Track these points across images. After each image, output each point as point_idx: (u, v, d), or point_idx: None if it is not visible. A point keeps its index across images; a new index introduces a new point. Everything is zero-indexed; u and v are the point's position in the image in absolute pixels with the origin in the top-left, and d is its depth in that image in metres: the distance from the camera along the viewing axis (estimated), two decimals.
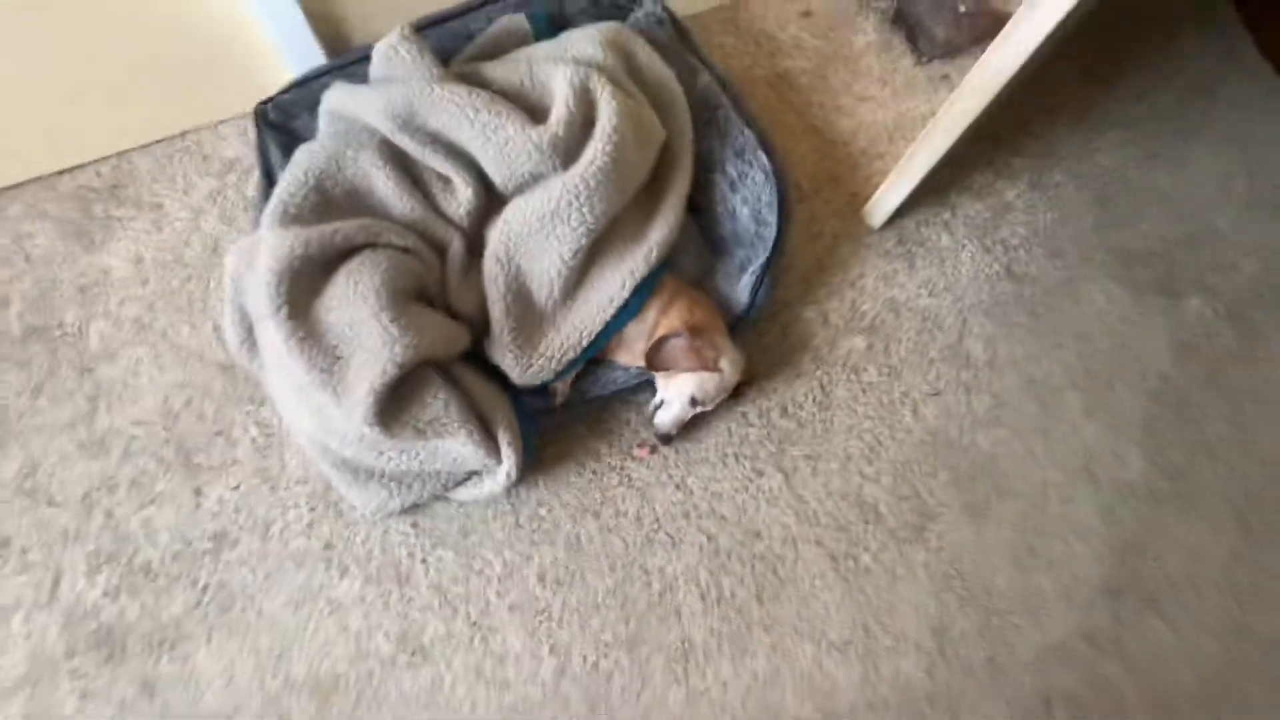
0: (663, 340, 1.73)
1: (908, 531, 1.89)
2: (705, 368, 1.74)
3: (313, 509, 1.85)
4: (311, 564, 1.80)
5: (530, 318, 1.74)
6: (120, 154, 2.02)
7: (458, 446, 1.67)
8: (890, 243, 2.12)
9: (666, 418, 1.83)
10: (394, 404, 1.60)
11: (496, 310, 1.71)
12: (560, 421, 1.90)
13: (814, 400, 1.99)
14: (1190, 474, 1.90)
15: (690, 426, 1.88)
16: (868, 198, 2.07)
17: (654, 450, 1.88)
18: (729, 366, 1.77)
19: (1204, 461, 1.90)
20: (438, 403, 1.64)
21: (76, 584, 1.77)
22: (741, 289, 1.88)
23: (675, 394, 1.81)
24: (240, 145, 2.04)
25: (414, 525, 1.86)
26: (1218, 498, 1.88)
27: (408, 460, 1.69)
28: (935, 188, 2.14)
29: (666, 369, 1.75)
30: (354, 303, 1.57)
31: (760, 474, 1.92)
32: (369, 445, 1.64)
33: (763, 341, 2.03)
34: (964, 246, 2.14)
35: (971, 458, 1.96)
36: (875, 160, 2.12)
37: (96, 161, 2.01)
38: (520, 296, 1.73)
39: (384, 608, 1.77)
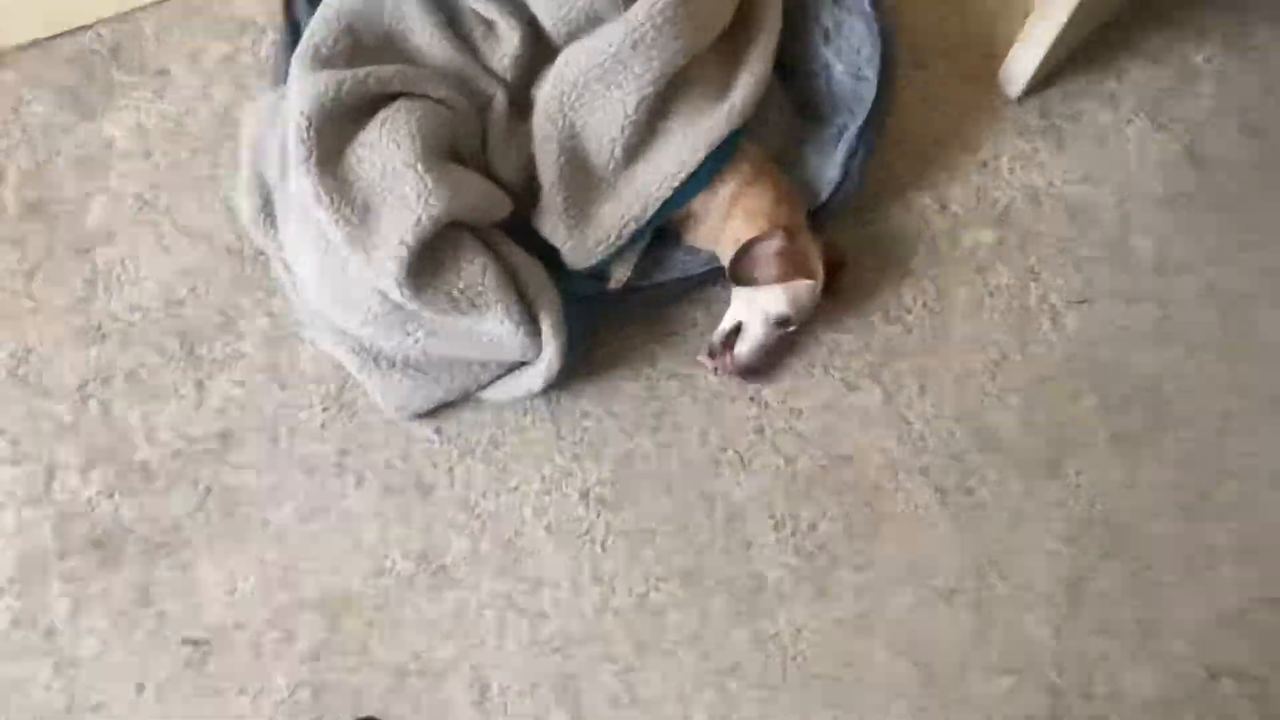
0: (752, 245, 2.01)
1: (1038, 465, 2.11)
2: (803, 276, 2.00)
3: (326, 409, 2.22)
4: (324, 471, 2.17)
5: (586, 183, 2.08)
6: (124, 14, 2.38)
7: (494, 325, 2.01)
8: (1032, 116, 2.34)
9: (748, 348, 2.11)
10: (428, 265, 1.95)
11: (548, 175, 2.06)
12: (614, 318, 2.21)
13: (925, 304, 2.25)
14: None
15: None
16: (1004, 60, 2.27)
17: (718, 370, 2.17)
18: (820, 270, 2.05)
19: None
20: (474, 267, 2.00)
21: (69, 481, 2.16)
22: (834, 162, 2.19)
23: (759, 314, 2.08)
24: (257, 3, 2.39)
25: (439, 431, 2.20)
26: None
27: (437, 342, 2.05)
28: (1095, 51, 2.31)
29: (754, 282, 2.03)
30: (387, 150, 1.93)
31: (854, 388, 2.20)
32: (394, 320, 2.00)
33: (865, 231, 2.28)
34: (1130, 122, 2.35)
35: (1127, 380, 2.17)
36: (1018, 13, 2.24)
37: (98, 23, 2.38)
38: (575, 158, 2.06)
39: (404, 522, 2.11)
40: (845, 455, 2.14)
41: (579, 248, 2.13)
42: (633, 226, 2.11)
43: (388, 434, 2.20)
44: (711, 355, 2.19)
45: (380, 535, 2.14)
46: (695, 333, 2.25)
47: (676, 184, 2.06)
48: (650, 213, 2.09)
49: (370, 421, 2.22)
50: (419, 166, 1.95)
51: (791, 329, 2.09)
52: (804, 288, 2.06)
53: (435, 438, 2.23)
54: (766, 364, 2.16)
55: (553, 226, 2.12)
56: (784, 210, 2.07)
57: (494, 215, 2.09)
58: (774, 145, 2.24)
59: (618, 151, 2.08)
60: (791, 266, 2.02)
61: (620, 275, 2.20)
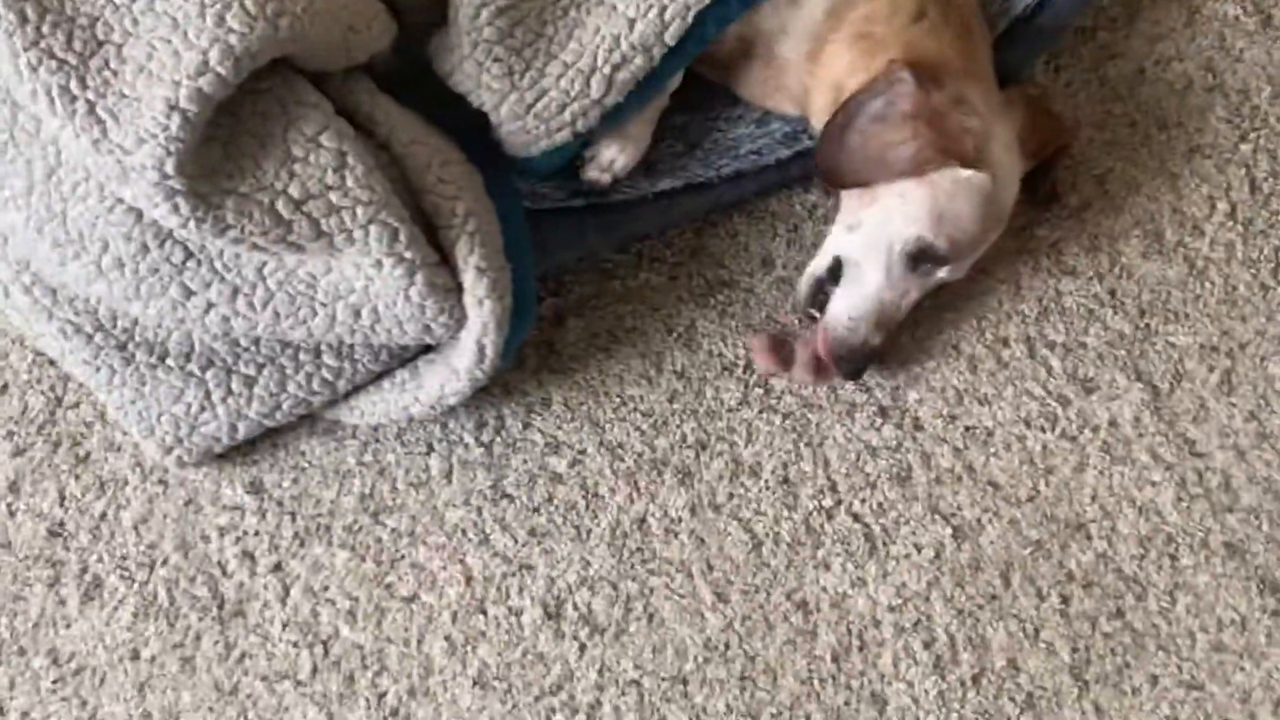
0: (863, 98, 1.72)
1: None
2: (962, 160, 1.69)
3: (20, 450, 1.91)
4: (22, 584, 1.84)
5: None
6: None
7: (365, 266, 1.65)
8: None
9: (851, 310, 1.79)
10: (226, 150, 1.61)
11: None
12: (598, 259, 1.94)
13: (1235, 212, 2.00)
14: None
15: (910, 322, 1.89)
16: None
17: (820, 373, 1.88)
18: (1006, 155, 1.74)
19: None
20: (321, 155, 1.62)
21: None
22: None
23: (878, 242, 1.78)
24: None
25: (256, 491, 1.86)
26: None
27: (248, 309, 1.67)
28: None
29: (868, 177, 1.75)
30: None
31: (1091, 389, 1.91)
32: (159, 265, 1.66)
33: (1107, 84, 2.06)
34: None
35: None
36: None
37: None
38: None
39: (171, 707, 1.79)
40: (1076, 520, 1.84)
41: (520, 116, 1.76)
42: (622, 70, 1.74)
43: (149, 501, 1.85)
44: (775, 341, 1.89)
45: None
46: (753, 289, 1.97)
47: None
48: (653, 40, 1.74)
49: (110, 473, 1.87)
50: None
51: (942, 274, 1.77)
52: (965, 185, 1.70)
53: (248, 504, 1.85)
54: (887, 343, 1.80)
55: (472, 74, 1.75)
56: (934, 36, 1.75)
57: (362, 49, 1.75)
58: None
59: None
60: (942, 139, 1.68)
61: (605, 164, 1.87)
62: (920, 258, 1.76)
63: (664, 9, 1.74)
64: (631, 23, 1.75)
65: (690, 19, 1.74)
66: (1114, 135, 2.03)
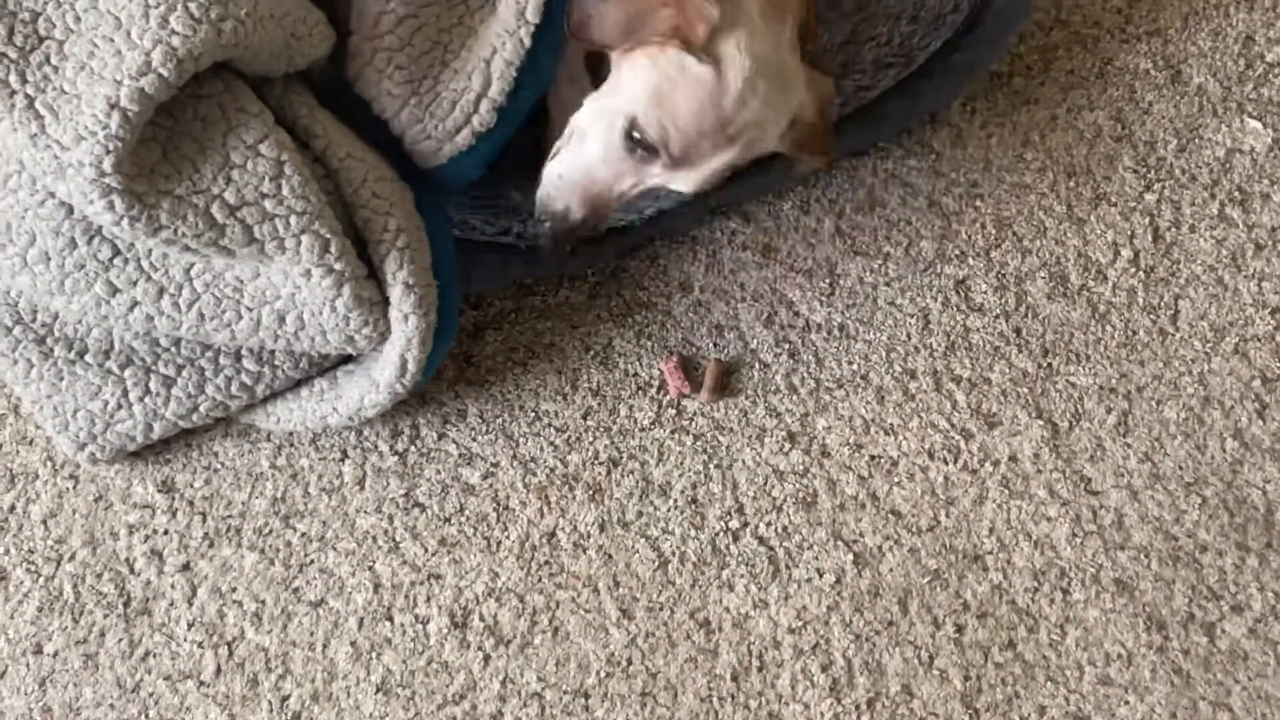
0: None
1: None
2: (684, 40, 1.58)
3: None
4: None
5: None
6: None
7: (295, 277, 1.65)
8: None
9: (562, 166, 1.70)
10: (164, 151, 1.60)
11: None
12: (523, 278, 1.94)
13: (1136, 273, 2.03)
14: None
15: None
16: None
17: (717, 391, 1.91)
18: (750, 73, 1.61)
19: None
20: (259, 163, 1.61)
21: None
22: None
23: (601, 111, 1.69)
24: None
25: (168, 489, 1.86)
26: None
27: (173, 310, 1.67)
28: None
29: (602, 37, 1.65)
30: None
31: (993, 424, 1.94)
32: (86, 260, 1.65)
33: (1002, 139, 2.10)
34: None
35: None
36: None
37: None
38: None
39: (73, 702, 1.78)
40: (973, 552, 1.86)
41: (420, 120, 1.75)
42: (495, 58, 1.72)
43: (59, 496, 1.85)
44: (688, 364, 1.93)
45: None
46: (670, 311, 1.98)
47: None
48: (516, 22, 1.71)
49: (21, 466, 1.87)
50: None
51: (657, 172, 1.66)
52: (688, 75, 1.61)
53: (158, 503, 1.85)
54: (587, 223, 1.70)
55: (373, 80, 1.73)
56: None
57: (303, 56, 1.72)
58: None
59: None
60: (678, 15, 1.58)
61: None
62: (634, 141, 1.66)
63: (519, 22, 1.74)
64: (502, 16, 1.75)
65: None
66: (1024, 179, 2.06)
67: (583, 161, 1.68)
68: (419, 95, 1.75)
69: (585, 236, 1.74)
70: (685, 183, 1.69)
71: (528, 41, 1.71)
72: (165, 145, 1.58)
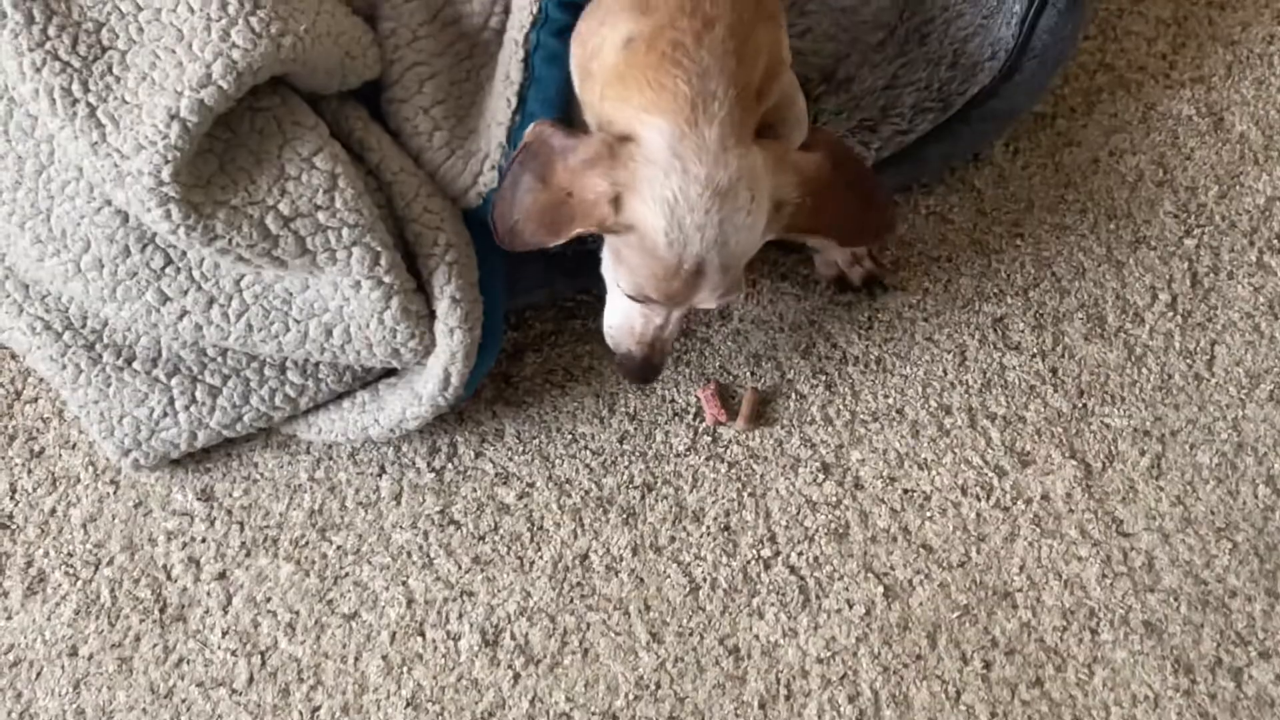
0: (514, 165, 1.60)
1: None
2: (596, 224, 1.56)
3: None
4: None
5: (462, 49, 1.81)
6: None
7: (344, 286, 1.66)
8: None
9: (607, 318, 1.75)
10: (221, 162, 1.62)
11: (404, 17, 1.79)
12: (564, 291, 1.95)
13: (1175, 300, 2.04)
14: None
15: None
16: None
17: (721, 407, 1.92)
18: (670, 205, 1.52)
19: None
20: (314, 176, 1.62)
21: None
22: (1008, 8, 1.97)
23: (614, 277, 1.70)
24: None
25: (207, 498, 1.87)
26: None
27: (222, 320, 1.68)
28: None
29: (524, 244, 1.63)
30: None
31: (1027, 462, 1.95)
32: (139, 269, 1.66)
33: (1060, 153, 2.11)
34: None
35: None
36: None
37: None
38: (446, 3, 1.81)
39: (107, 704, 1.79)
40: (1003, 589, 1.86)
41: (457, 155, 1.77)
42: (508, 88, 1.74)
43: (100, 501, 1.85)
44: (725, 391, 1.94)
45: None
46: (709, 339, 1.99)
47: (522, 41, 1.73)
48: (513, 61, 1.74)
49: (63, 470, 1.87)
50: None
51: (671, 311, 1.67)
52: (625, 241, 1.58)
53: (197, 511, 1.86)
54: (655, 356, 1.72)
55: (415, 113, 1.77)
56: (632, 69, 1.56)
57: (356, 75, 1.75)
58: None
59: None
60: (580, 208, 1.55)
61: None
62: (634, 296, 1.64)
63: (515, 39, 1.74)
64: (496, 75, 1.77)
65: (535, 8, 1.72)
66: (1064, 220, 2.06)
67: (616, 313, 1.71)
68: (431, 149, 1.79)
69: (657, 367, 1.74)
70: (705, 302, 1.63)
71: (514, 101, 1.72)
72: (222, 156, 1.59)
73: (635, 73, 1.53)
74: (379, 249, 1.63)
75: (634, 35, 1.54)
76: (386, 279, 1.64)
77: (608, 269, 1.70)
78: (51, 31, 1.56)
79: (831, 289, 1.98)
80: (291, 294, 1.66)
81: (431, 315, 1.71)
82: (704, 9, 1.52)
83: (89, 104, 1.55)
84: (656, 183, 1.51)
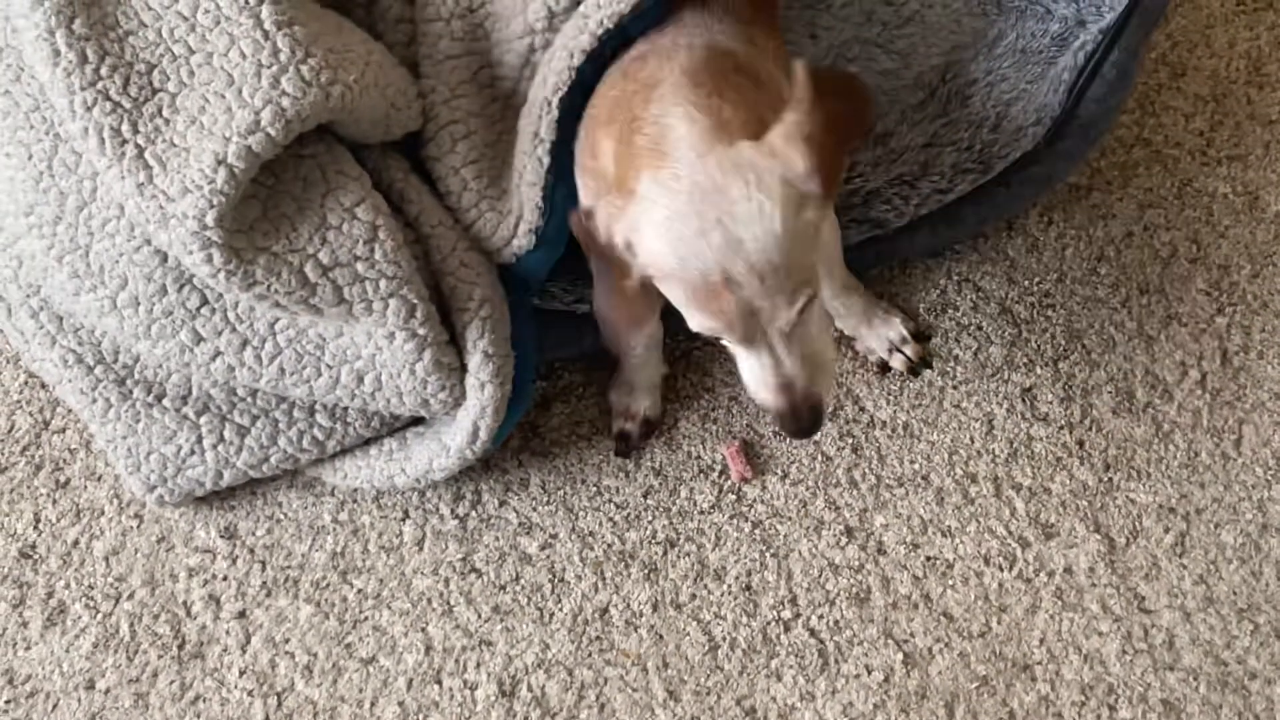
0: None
1: None
2: (624, 275, 1.53)
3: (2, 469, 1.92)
4: None
5: (492, 94, 1.81)
6: None
7: (378, 335, 1.66)
8: None
9: (746, 381, 1.61)
10: (264, 209, 1.63)
11: (431, 77, 1.79)
12: (594, 349, 1.90)
13: (1206, 377, 2.04)
14: None
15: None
16: None
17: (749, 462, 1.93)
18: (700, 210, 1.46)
19: None
20: (355, 227, 1.64)
21: None
22: (1055, 79, 1.97)
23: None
24: None
25: (230, 535, 1.87)
26: None
27: (254, 362, 1.69)
28: None
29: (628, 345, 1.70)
30: None
31: (1051, 534, 1.95)
32: (174, 308, 1.68)
33: (1096, 226, 2.13)
34: None
35: None
36: None
37: None
38: (473, 50, 1.81)
39: None
40: (1023, 661, 1.85)
41: (486, 216, 1.79)
42: (539, 146, 1.72)
43: (123, 534, 1.87)
44: (752, 450, 1.95)
45: None
46: (737, 398, 1.99)
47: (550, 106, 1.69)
48: (537, 177, 1.72)
49: (88, 502, 1.88)
50: (265, 11, 1.61)
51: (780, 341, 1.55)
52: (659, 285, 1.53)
53: (220, 549, 1.87)
54: (807, 394, 1.58)
55: (448, 172, 1.79)
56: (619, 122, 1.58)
57: (400, 126, 1.77)
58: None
59: (538, 43, 1.76)
60: (617, 268, 1.55)
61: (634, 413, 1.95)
62: (715, 337, 1.56)
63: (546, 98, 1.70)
64: (522, 135, 1.74)
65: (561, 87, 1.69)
66: (1096, 293, 2.07)
67: (744, 371, 1.58)
68: (460, 209, 1.80)
69: (810, 413, 1.59)
70: (781, 314, 1.51)
71: (546, 160, 1.71)
72: (265, 203, 1.60)
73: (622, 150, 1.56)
74: (415, 301, 1.64)
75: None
76: (421, 331, 1.65)
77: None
78: (104, 71, 1.57)
79: (874, 369, 2.00)
80: (325, 339, 1.67)
81: (463, 368, 1.71)
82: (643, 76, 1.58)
83: (138, 145, 1.56)
84: (648, 212, 1.49)
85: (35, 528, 1.85)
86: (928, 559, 1.87)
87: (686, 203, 1.45)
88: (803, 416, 1.58)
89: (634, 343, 1.71)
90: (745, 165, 1.45)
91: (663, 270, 1.49)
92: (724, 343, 1.58)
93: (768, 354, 1.55)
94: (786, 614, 1.84)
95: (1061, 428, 1.96)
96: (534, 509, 1.88)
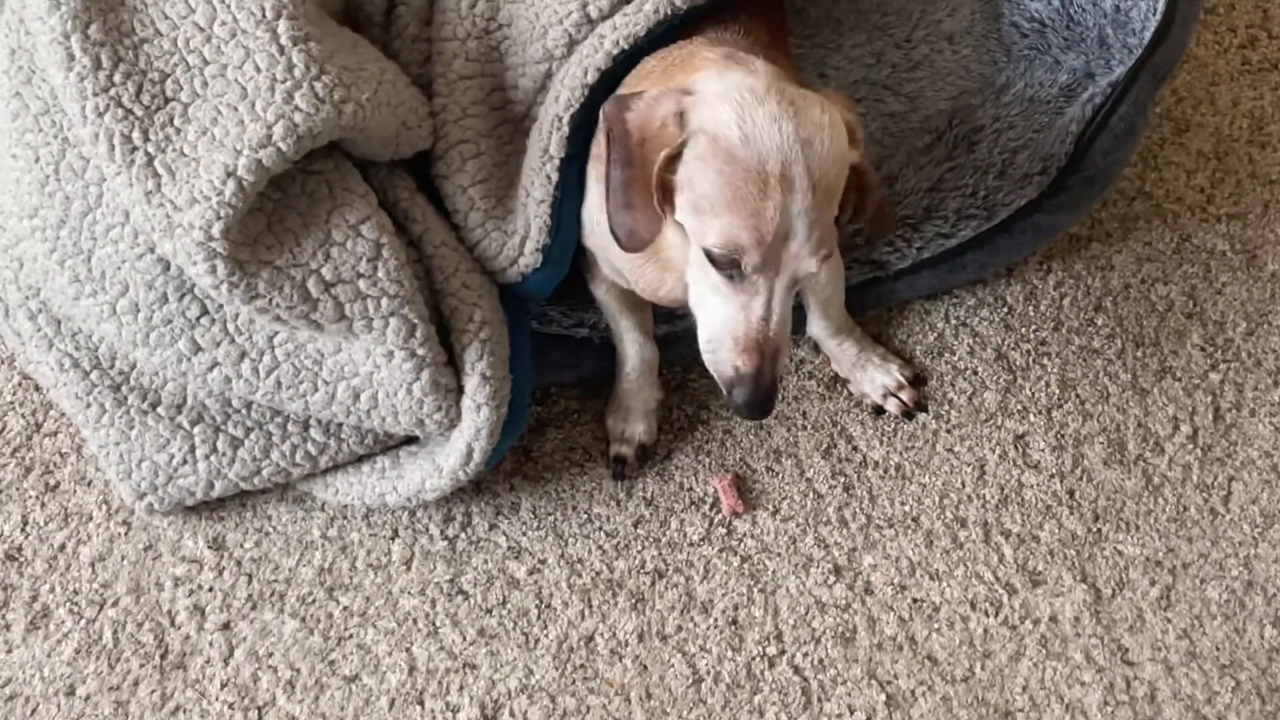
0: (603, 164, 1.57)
1: None
2: (662, 144, 1.50)
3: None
4: None
5: (504, 116, 1.83)
6: None
7: (376, 354, 1.66)
8: None
9: (701, 333, 1.59)
10: (270, 223, 1.62)
11: (444, 95, 1.80)
12: (593, 375, 1.94)
13: (1197, 427, 2.05)
14: None
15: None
16: None
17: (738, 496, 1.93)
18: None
19: None
20: (359, 244, 1.63)
21: None
22: (1061, 129, 1.97)
23: (690, 273, 1.61)
24: None
25: (217, 546, 1.87)
26: None
27: (251, 374, 1.69)
28: None
29: (640, 242, 1.57)
30: None
31: (1037, 582, 1.94)
32: (174, 316, 1.68)
33: (1096, 276, 2.14)
34: None
35: None
36: None
37: None
38: (487, 71, 1.82)
39: None
40: (1003, 710, 1.84)
41: (491, 235, 1.78)
42: (544, 168, 1.73)
43: (110, 540, 1.86)
44: (743, 484, 1.93)
45: None
46: (731, 431, 1.99)
47: (562, 124, 1.71)
48: (549, 135, 1.72)
49: (76, 506, 1.88)
50: (281, 29, 1.61)
51: (771, 278, 1.50)
52: (707, 150, 1.48)
53: (207, 559, 1.86)
54: (762, 370, 1.53)
55: (451, 194, 1.79)
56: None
57: (409, 145, 1.77)
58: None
59: (556, 69, 1.78)
60: (649, 142, 1.53)
61: (629, 438, 1.96)
62: (717, 258, 1.50)
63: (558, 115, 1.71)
64: (531, 152, 1.75)
65: (574, 100, 1.70)
66: (1091, 343, 2.07)
67: (713, 318, 1.55)
68: (466, 228, 1.80)
69: (771, 386, 1.55)
70: (803, 258, 1.48)
71: (554, 177, 1.71)
72: (271, 216, 1.60)
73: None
74: (415, 321, 1.64)
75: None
76: (420, 351, 1.65)
77: (695, 263, 1.55)
78: (117, 78, 1.57)
79: (869, 410, 2.00)
80: (323, 355, 1.67)
81: (460, 390, 1.71)
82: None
83: (147, 153, 1.56)
84: (718, 83, 1.49)
85: (22, 530, 1.83)
86: (914, 601, 1.87)
87: (765, 88, 1.46)
88: (765, 380, 1.53)
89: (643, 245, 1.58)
90: (814, 94, 1.48)
91: (719, 141, 1.45)
92: (702, 291, 1.54)
93: (760, 302, 1.50)
94: (772, 650, 1.83)
95: (1052, 476, 1.96)
96: (524, 533, 1.87)
